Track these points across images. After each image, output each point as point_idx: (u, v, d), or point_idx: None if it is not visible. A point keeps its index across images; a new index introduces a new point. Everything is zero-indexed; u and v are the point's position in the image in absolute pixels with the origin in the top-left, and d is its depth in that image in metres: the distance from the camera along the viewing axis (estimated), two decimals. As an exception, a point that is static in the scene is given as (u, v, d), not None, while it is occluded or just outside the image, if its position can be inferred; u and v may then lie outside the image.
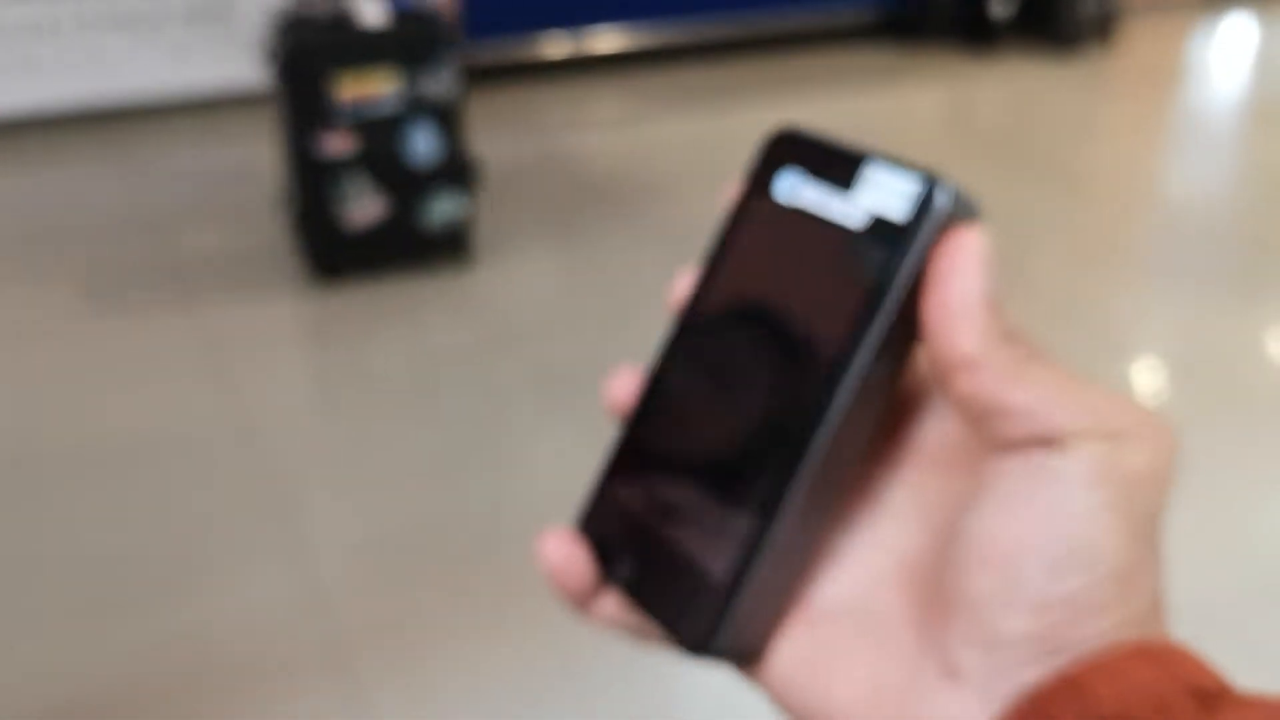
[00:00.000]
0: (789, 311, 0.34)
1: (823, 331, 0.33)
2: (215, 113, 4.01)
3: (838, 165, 0.34)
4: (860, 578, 0.35)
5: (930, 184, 0.32)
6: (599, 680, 1.68)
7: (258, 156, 3.89)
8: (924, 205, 0.32)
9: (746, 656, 0.35)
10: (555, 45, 4.52)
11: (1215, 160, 4.01)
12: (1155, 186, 3.81)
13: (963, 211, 0.32)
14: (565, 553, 0.38)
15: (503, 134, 4.03)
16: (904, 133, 4.11)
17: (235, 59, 4.02)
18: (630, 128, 4.22)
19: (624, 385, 0.39)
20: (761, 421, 0.34)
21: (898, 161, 0.33)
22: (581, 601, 0.38)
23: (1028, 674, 0.30)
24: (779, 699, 0.35)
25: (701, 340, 0.37)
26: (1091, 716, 0.28)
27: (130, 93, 3.92)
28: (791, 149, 0.36)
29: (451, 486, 2.13)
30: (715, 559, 0.34)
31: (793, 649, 0.35)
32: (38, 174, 3.63)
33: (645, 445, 0.38)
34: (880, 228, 0.33)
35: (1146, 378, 2.61)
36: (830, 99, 4.44)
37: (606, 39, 4.59)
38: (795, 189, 0.35)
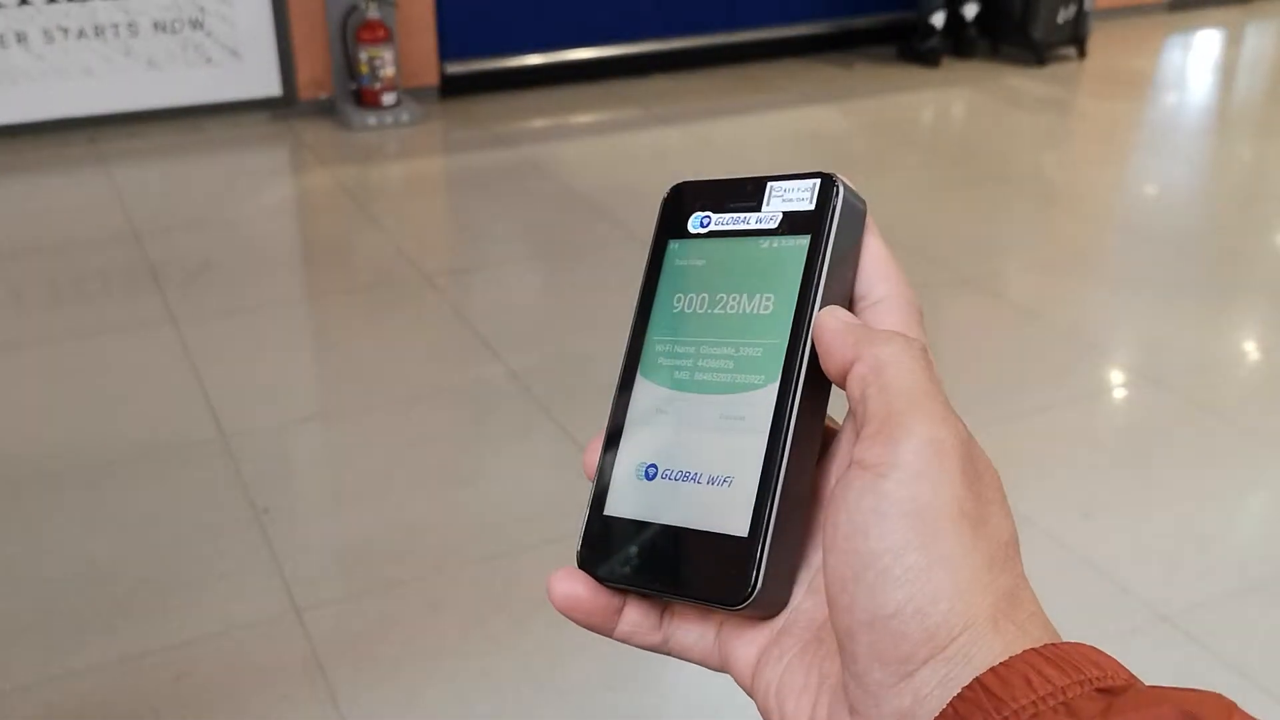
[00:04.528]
0: (743, 298, 0.41)
1: (779, 297, 0.40)
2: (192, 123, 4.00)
3: (741, 194, 0.43)
4: (822, 604, 0.38)
5: (824, 176, 0.41)
6: (577, 692, 1.68)
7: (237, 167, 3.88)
8: (824, 190, 0.41)
9: (777, 606, 0.39)
10: (532, 55, 4.53)
11: (1184, 168, 4.05)
12: (1125, 194, 3.84)
13: (855, 198, 0.41)
14: (569, 589, 0.40)
15: (482, 142, 4.04)
16: (873, 142, 4.14)
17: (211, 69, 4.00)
18: (606, 135, 4.23)
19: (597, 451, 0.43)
20: (742, 384, 0.40)
21: (792, 174, 0.42)
22: (602, 627, 0.41)
23: (897, 699, 0.32)
24: (762, 715, 0.38)
25: (667, 348, 0.42)
26: (1004, 717, 0.30)
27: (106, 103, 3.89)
28: (692, 196, 0.44)
29: (429, 496, 2.12)
30: (732, 522, 0.38)
31: (771, 672, 0.38)
32: (13, 184, 3.61)
33: (630, 460, 0.42)
34: (794, 218, 0.41)
35: (1117, 384, 2.63)
36: (798, 108, 4.46)
37: (581, 50, 4.61)
38: (708, 223, 0.43)
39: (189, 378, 2.46)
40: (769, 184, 0.42)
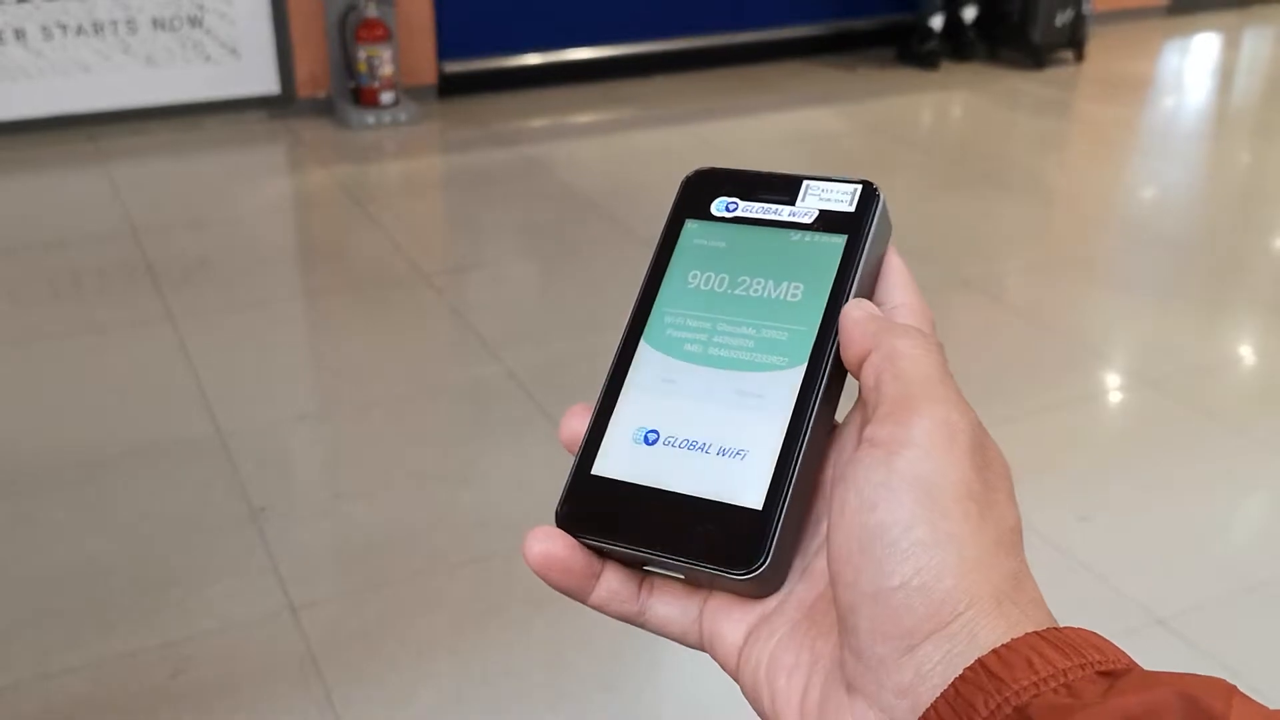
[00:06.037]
0: (769, 284, 0.42)
1: (810, 287, 0.42)
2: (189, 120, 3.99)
3: (773, 187, 0.44)
4: (817, 584, 0.39)
5: (866, 183, 0.43)
6: (574, 692, 1.68)
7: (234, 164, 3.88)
8: (866, 195, 0.43)
9: (775, 584, 0.39)
10: (531, 55, 4.53)
11: (1182, 171, 4.05)
12: (1123, 196, 3.84)
13: (888, 213, 0.42)
14: (547, 548, 0.40)
15: (480, 142, 4.04)
16: (872, 144, 4.14)
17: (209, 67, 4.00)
18: (606, 135, 4.23)
19: (576, 421, 0.42)
20: (763, 364, 0.41)
21: (831, 176, 0.43)
22: (578, 590, 0.40)
23: (898, 674, 0.32)
24: (746, 696, 0.38)
25: (678, 320, 0.43)
26: (1005, 698, 0.31)
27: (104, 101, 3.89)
28: (719, 182, 0.45)
29: (426, 495, 2.12)
30: (744, 494, 0.39)
31: (760, 650, 0.38)
32: (11, 181, 3.60)
33: (627, 424, 0.42)
34: (831, 217, 0.43)
35: (1114, 387, 2.63)
36: (797, 109, 4.46)
37: (581, 50, 4.60)
38: (735, 209, 0.44)
39: (186, 375, 2.46)
40: (806, 182, 0.44)
